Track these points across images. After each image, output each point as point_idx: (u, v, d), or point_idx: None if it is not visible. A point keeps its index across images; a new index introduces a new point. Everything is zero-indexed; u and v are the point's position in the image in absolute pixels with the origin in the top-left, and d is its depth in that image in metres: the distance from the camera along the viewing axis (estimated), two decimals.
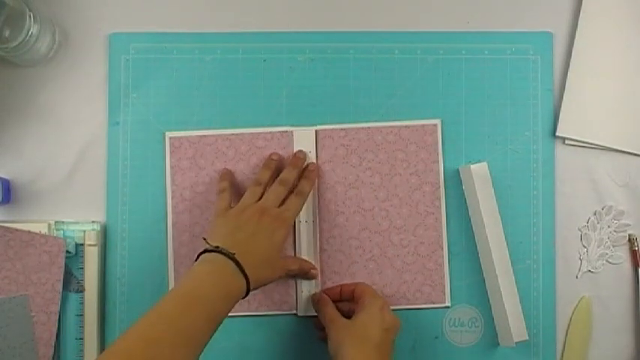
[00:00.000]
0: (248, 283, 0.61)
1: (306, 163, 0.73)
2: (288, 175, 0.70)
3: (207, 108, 0.74)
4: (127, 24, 0.75)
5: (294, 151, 0.73)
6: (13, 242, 0.70)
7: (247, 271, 0.61)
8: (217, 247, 0.61)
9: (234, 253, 0.61)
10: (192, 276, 0.60)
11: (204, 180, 0.74)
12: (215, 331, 0.58)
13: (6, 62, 0.72)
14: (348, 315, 0.68)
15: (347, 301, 0.71)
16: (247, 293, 0.61)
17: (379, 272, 0.73)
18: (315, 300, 0.72)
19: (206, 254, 0.61)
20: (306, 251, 0.73)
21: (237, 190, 0.73)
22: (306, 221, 0.73)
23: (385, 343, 0.65)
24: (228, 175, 0.72)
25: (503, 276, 0.71)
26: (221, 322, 0.58)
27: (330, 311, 0.69)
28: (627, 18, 0.75)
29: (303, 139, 0.73)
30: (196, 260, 0.62)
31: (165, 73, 0.75)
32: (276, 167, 0.72)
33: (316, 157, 0.74)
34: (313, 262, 0.73)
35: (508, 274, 0.72)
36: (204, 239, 0.63)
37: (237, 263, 0.60)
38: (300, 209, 0.70)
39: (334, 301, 0.71)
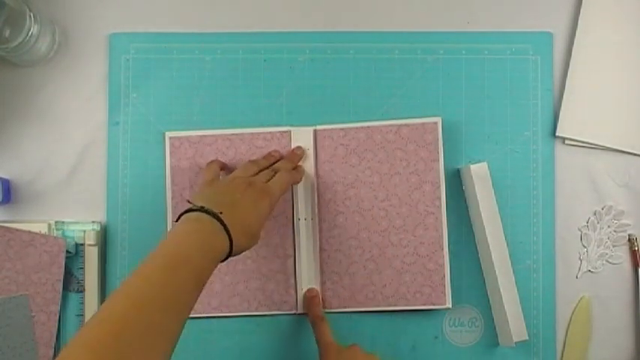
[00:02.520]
0: (231, 245, 0.59)
1: (304, 164, 0.73)
2: (283, 165, 0.71)
3: (207, 108, 0.74)
4: (127, 24, 0.75)
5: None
6: (13, 242, 0.70)
7: (231, 232, 0.59)
8: (202, 206, 0.59)
9: (220, 212, 0.59)
10: (176, 236, 0.57)
11: None
12: (199, 295, 0.56)
13: (6, 62, 0.73)
14: None
15: None
16: (227, 257, 0.60)
17: (378, 272, 0.73)
18: (311, 321, 0.71)
19: (190, 213, 0.59)
20: (305, 249, 0.73)
21: None
22: (305, 219, 0.73)
23: None
24: (217, 160, 0.72)
25: (503, 276, 0.71)
26: (204, 285, 0.57)
27: (325, 336, 0.69)
28: (627, 18, 0.75)
29: (301, 139, 0.74)
30: (177, 220, 0.60)
31: (165, 73, 0.75)
32: (275, 161, 0.72)
33: (315, 156, 0.74)
34: (313, 262, 0.73)
35: (508, 274, 0.72)
36: (188, 201, 0.61)
37: (223, 223, 0.59)
38: (286, 188, 0.69)
39: None
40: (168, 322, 0.51)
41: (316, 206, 0.73)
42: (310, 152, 0.73)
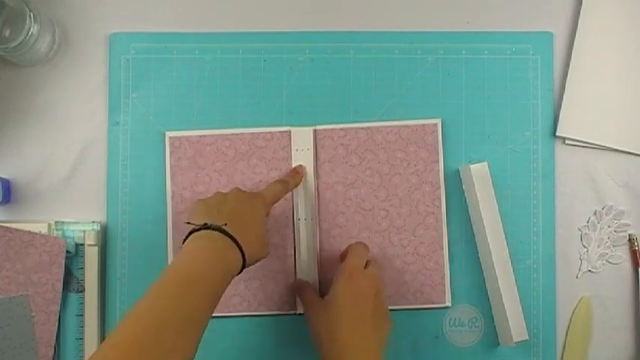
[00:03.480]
0: (243, 255, 0.59)
1: (304, 164, 0.73)
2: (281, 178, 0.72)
3: (207, 108, 0.74)
4: (127, 24, 0.75)
5: (293, 150, 0.73)
6: (13, 242, 0.70)
7: (240, 243, 0.59)
8: (205, 223, 0.59)
9: (225, 224, 0.59)
10: (186, 256, 0.57)
11: (204, 180, 0.74)
12: (214, 310, 0.56)
13: (6, 62, 0.72)
14: None
15: None
16: (242, 268, 0.59)
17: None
18: (296, 287, 0.72)
19: (195, 233, 0.59)
20: (305, 249, 0.73)
21: None
22: (305, 219, 0.73)
23: (356, 315, 0.62)
24: None
25: (503, 276, 0.71)
26: (219, 300, 0.56)
27: (308, 295, 0.68)
28: (627, 18, 0.75)
29: (301, 139, 0.73)
30: (184, 243, 0.59)
31: (165, 73, 0.75)
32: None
33: (315, 156, 0.74)
34: (313, 262, 0.73)
35: (508, 274, 0.72)
36: (188, 222, 0.61)
37: (229, 235, 0.58)
38: (279, 196, 0.69)
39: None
40: (184, 343, 0.51)
41: (316, 206, 0.73)
42: (310, 152, 0.73)
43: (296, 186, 0.73)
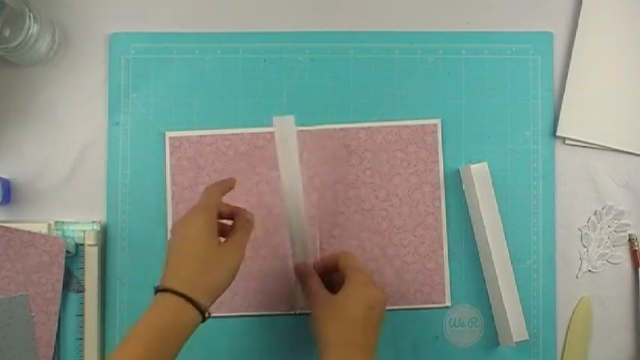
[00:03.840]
0: (196, 305, 0.56)
1: (285, 151, 0.71)
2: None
3: (207, 108, 0.74)
4: (127, 24, 0.75)
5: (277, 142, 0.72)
6: (13, 242, 0.70)
7: (190, 293, 0.56)
8: (155, 288, 0.58)
9: (159, 286, 0.57)
10: (143, 327, 0.56)
11: (204, 180, 0.74)
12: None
13: (6, 62, 0.72)
14: (337, 283, 0.66)
15: (335, 272, 0.68)
16: (204, 313, 0.57)
17: (379, 272, 0.73)
18: (299, 272, 0.70)
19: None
20: (305, 249, 0.72)
21: (239, 191, 0.72)
22: (290, 196, 0.71)
23: (369, 320, 0.62)
24: None
25: (503, 276, 0.71)
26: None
27: (314, 284, 0.67)
28: (627, 18, 0.75)
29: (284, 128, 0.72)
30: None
31: (165, 73, 0.75)
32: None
33: (303, 158, 0.73)
34: (312, 260, 0.72)
35: (508, 274, 0.72)
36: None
37: (173, 291, 0.56)
38: (219, 191, 0.64)
39: (322, 275, 0.69)
40: None
41: (302, 192, 0.71)
42: (293, 141, 0.71)
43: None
